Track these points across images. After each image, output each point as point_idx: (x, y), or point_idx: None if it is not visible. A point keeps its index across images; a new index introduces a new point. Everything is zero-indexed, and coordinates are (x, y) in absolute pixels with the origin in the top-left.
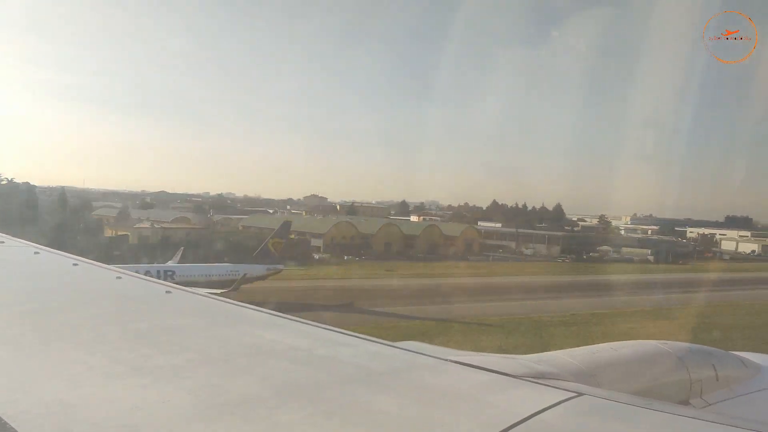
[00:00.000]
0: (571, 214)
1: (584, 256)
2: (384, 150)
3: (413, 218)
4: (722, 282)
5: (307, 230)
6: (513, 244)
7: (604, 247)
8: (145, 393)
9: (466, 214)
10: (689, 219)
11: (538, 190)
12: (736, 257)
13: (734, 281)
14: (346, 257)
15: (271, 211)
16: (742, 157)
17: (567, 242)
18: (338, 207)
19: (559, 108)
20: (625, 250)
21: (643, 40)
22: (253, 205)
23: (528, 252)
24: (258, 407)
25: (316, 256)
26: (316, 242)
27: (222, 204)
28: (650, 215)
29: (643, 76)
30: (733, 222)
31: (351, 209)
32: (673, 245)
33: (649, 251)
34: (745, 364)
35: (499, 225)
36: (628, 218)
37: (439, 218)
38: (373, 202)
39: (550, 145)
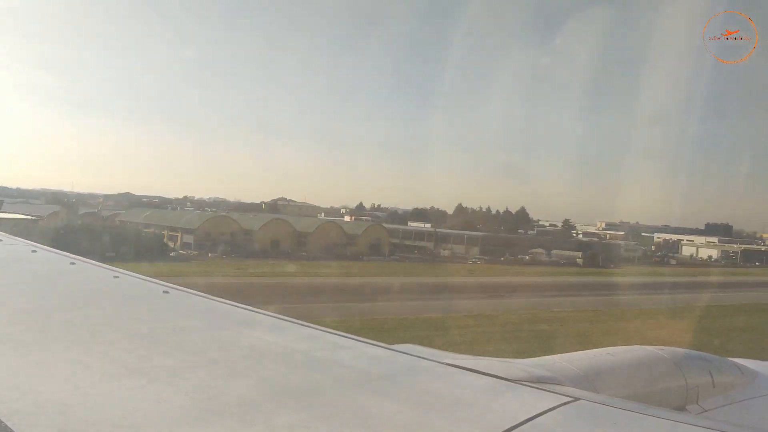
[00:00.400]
0: (541, 219)
1: (501, 258)
2: (378, 153)
3: (346, 218)
4: (612, 285)
5: (180, 225)
6: (432, 245)
7: (537, 250)
8: (142, 394)
9: (401, 214)
10: (666, 225)
11: (530, 194)
12: (689, 263)
13: (636, 285)
14: (210, 254)
15: (190, 207)
16: (734, 165)
17: (489, 244)
18: (264, 205)
19: (552, 113)
20: (555, 252)
21: (638, 44)
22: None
23: (444, 253)
24: (255, 409)
25: (172, 253)
26: (187, 238)
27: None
28: (636, 222)
29: (638, 80)
30: (713, 229)
31: (274, 207)
32: (615, 249)
33: (580, 254)
34: (742, 370)
35: (428, 225)
36: (603, 224)
37: (369, 218)
38: (328, 205)
39: (544, 149)
